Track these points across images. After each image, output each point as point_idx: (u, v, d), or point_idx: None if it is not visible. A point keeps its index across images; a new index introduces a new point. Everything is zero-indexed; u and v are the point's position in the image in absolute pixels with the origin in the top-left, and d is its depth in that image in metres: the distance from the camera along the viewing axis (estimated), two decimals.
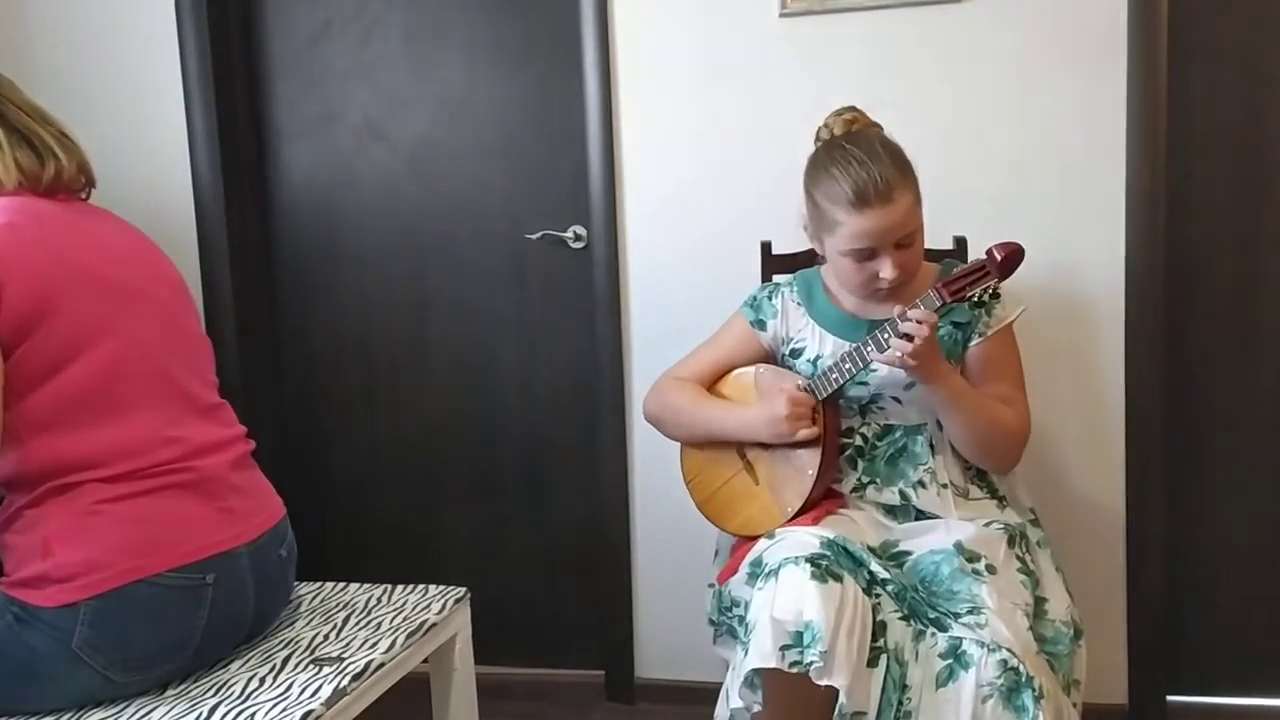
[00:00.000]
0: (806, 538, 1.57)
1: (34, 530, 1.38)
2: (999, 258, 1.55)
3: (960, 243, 2.06)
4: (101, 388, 1.41)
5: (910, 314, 1.57)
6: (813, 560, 1.49)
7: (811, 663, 1.41)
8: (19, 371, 1.37)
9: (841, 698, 1.40)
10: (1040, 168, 2.16)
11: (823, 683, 1.40)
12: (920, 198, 1.67)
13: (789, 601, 1.46)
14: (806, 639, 1.42)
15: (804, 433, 1.69)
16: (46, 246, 1.43)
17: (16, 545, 1.41)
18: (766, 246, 2.12)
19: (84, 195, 1.59)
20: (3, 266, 1.36)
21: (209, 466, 1.49)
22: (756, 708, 1.52)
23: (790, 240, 2.05)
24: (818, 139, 1.75)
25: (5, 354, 1.36)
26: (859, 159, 1.62)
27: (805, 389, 1.72)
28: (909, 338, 1.56)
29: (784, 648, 1.43)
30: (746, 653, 1.47)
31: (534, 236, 2.50)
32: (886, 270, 1.63)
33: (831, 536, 1.56)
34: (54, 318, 1.38)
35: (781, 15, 2.23)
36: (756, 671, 1.47)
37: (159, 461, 1.43)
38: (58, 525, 1.38)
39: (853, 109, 1.76)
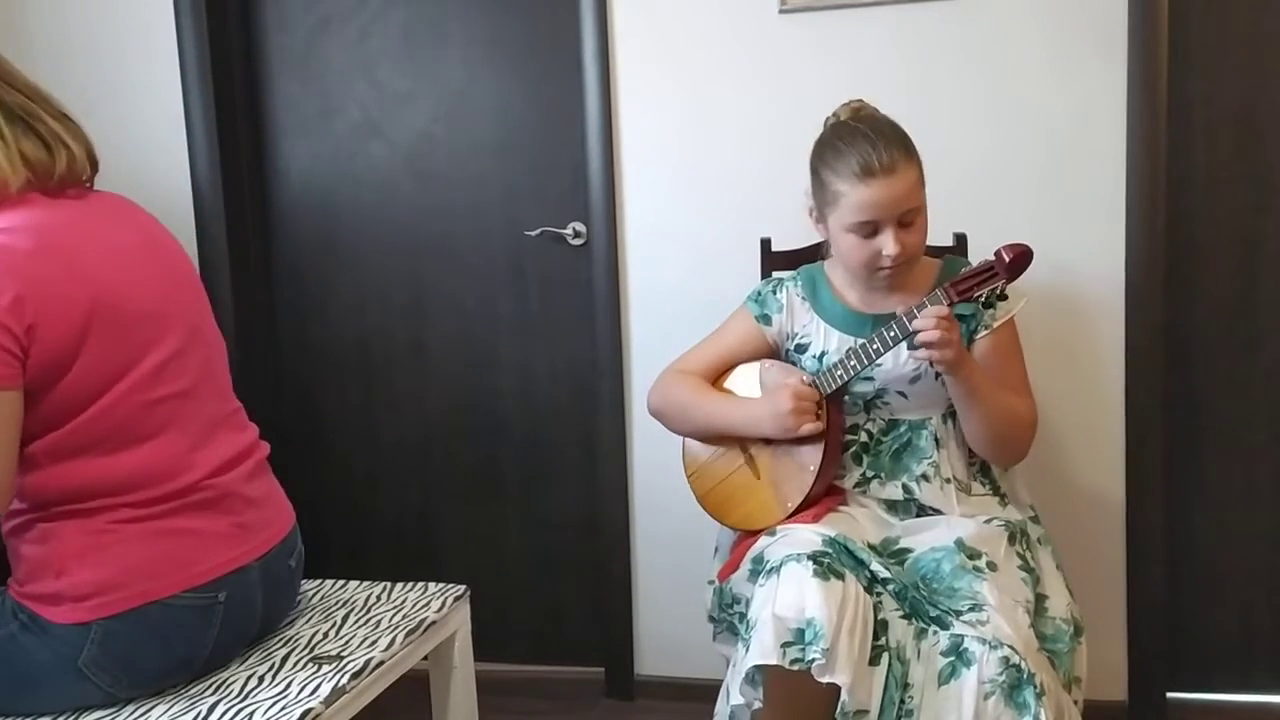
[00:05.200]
0: (808, 535, 1.57)
1: (47, 544, 1.34)
2: (1007, 259, 1.53)
3: (960, 239, 2.05)
4: (128, 418, 1.35)
5: (922, 313, 1.57)
6: (815, 558, 1.49)
7: (813, 660, 1.41)
8: (48, 409, 1.30)
9: (844, 695, 1.40)
10: (1040, 165, 2.16)
11: (824, 680, 1.40)
12: (924, 181, 1.67)
13: (791, 598, 1.46)
14: (808, 636, 1.42)
15: (808, 427, 1.68)
16: (74, 271, 1.31)
17: (28, 556, 1.36)
18: (766, 243, 2.11)
19: (89, 183, 1.45)
20: (36, 307, 1.25)
21: (226, 482, 1.44)
22: (757, 704, 1.52)
23: (790, 237, 2.05)
24: (826, 125, 1.75)
25: (39, 393, 1.28)
26: (865, 134, 1.63)
27: (810, 385, 1.72)
28: (930, 338, 1.55)
29: (785, 645, 1.43)
30: (748, 649, 1.47)
31: (533, 233, 2.49)
32: (889, 246, 1.62)
33: (833, 535, 1.56)
34: (85, 356, 1.30)
35: (781, 12, 2.22)
36: (758, 668, 1.47)
37: (179, 487, 1.39)
38: (73, 543, 1.33)
39: (860, 100, 1.77)
